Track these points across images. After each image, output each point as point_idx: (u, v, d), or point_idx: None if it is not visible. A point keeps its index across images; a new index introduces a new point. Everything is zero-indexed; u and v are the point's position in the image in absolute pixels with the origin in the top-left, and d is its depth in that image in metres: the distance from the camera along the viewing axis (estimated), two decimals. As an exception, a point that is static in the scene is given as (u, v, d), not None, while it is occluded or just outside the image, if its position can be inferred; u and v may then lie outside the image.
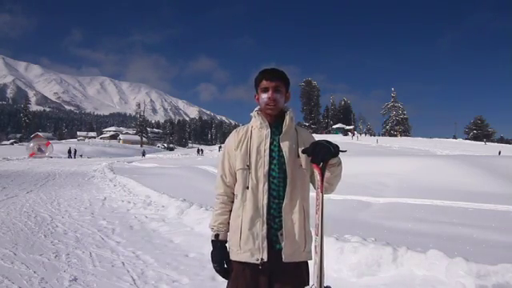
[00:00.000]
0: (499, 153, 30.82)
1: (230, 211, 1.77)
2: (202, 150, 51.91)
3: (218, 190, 1.81)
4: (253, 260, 1.65)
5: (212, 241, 1.77)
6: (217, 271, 1.75)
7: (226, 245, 1.76)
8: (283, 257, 1.65)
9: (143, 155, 49.75)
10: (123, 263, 4.04)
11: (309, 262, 1.73)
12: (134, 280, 3.54)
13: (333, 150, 1.54)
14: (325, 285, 1.56)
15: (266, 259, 1.64)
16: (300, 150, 1.71)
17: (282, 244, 1.66)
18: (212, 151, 50.61)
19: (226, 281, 1.74)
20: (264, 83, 1.74)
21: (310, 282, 1.61)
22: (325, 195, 1.60)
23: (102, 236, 5.28)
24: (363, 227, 5.71)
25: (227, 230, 1.76)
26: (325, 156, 1.55)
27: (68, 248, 4.59)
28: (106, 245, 4.83)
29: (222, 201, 1.78)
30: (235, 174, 1.76)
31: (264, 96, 1.73)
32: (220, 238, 1.75)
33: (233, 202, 1.77)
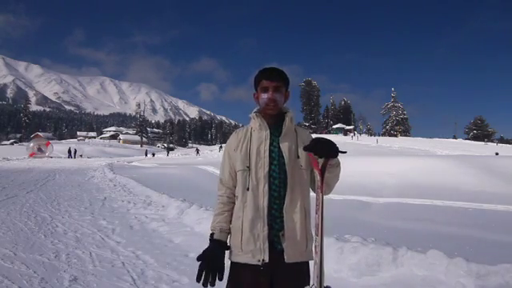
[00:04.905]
0: (496, 154, 30.82)
1: (229, 211, 1.76)
2: (198, 149, 52.54)
3: (218, 191, 1.81)
4: (254, 261, 1.65)
5: (209, 240, 1.74)
6: (199, 271, 1.61)
7: (229, 244, 1.73)
8: (285, 257, 1.64)
9: (148, 155, 50.04)
10: (123, 263, 4.04)
11: (310, 262, 1.73)
12: (133, 280, 3.54)
13: (334, 145, 1.54)
14: (325, 285, 1.56)
15: (267, 260, 1.64)
16: (300, 150, 1.71)
17: (284, 244, 1.65)
18: (212, 151, 50.70)
19: (227, 282, 1.74)
20: (264, 83, 1.73)
21: (311, 282, 1.61)
22: (324, 195, 1.60)
23: (101, 236, 5.28)
24: (363, 227, 5.71)
25: (224, 230, 1.73)
26: (329, 150, 1.53)
27: (68, 248, 4.59)
28: (106, 245, 4.82)
29: (221, 201, 1.78)
30: (235, 175, 1.76)
31: (264, 96, 1.73)
32: (215, 236, 1.72)
33: (233, 202, 1.76)
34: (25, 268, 3.78)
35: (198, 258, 1.63)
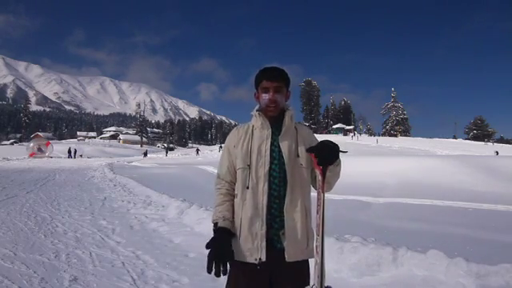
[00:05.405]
0: (496, 153, 30.86)
1: (229, 201, 1.74)
2: (198, 149, 52.45)
3: (216, 185, 1.81)
4: (251, 260, 1.65)
5: (213, 231, 1.69)
6: (209, 260, 1.55)
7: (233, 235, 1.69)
8: (286, 256, 1.64)
9: (145, 155, 49.91)
10: (123, 263, 4.04)
11: (310, 261, 1.73)
12: (133, 280, 3.54)
13: (338, 153, 1.56)
14: (325, 285, 1.56)
15: (264, 259, 1.63)
16: (300, 149, 1.71)
17: (284, 243, 1.66)
18: (212, 151, 50.72)
19: (226, 281, 1.73)
20: (265, 83, 1.72)
21: (311, 282, 1.61)
22: (325, 195, 1.60)
23: (101, 236, 5.28)
24: (363, 227, 5.70)
25: (227, 218, 1.69)
26: (332, 160, 1.56)
27: (68, 248, 4.59)
28: (106, 245, 4.82)
29: (220, 192, 1.77)
30: (234, 171, 1.76)
31: (265, 97, 1.72)
32: (219, 225, 1.68)
33: (232, 195, 1.76)
34: (25, 268, 3.78)
35: (207, 246, 1.59)
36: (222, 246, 1.60)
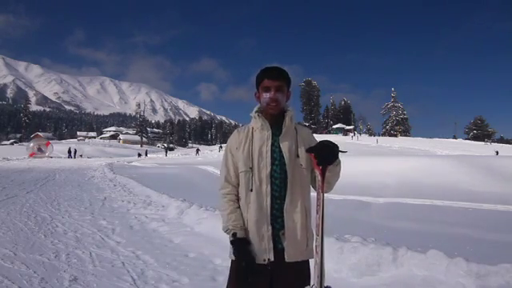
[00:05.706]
0: (497, 153, 30.88)
1: (239, 208, 1.73)
2: (198, 149, 52.47)
3: (223, 189, 1.77)
4: (260, 261, 1.65)
5: (231, 242, 1.68)
6: (245, 272, 1.62)
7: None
8: (285, 256, 1.65)
9: (145, 155, 49.72)
10: (123, 263, 4.04)
11: (310, 261, 1.73)
12: (134, 280, 3.54)
13: (337, 153, 1.56)
14: (325, 285, 1.56)
15: (272, 259, 1.65)
16: (300, 149, 1.72)
17: (284, 244, 1.66)
18: (212, 151, 50.71)
19: (227, 281, 1.74)
20: (266, 82, 1.72)
21: (311, 282, 1.62)
22: (325, 195, 1.60)
23: (101, 236, 5.28)
24: (363, 227, 5.70)
25: (243, 227, 1.69)
26: (332, 160, 1.57)
27: (68, 248, 4.59)
28: (106, 245, 4.82)
29: (230, 198, 1.75)
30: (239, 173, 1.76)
31: (266, 96, 1.72)
32: (238, 236, 1.67)
33: (239, 200, 1.75)
34: (25, 268, 3.78)
35: (245, 270, 1.62)
36: (248, 257, 1.64)
